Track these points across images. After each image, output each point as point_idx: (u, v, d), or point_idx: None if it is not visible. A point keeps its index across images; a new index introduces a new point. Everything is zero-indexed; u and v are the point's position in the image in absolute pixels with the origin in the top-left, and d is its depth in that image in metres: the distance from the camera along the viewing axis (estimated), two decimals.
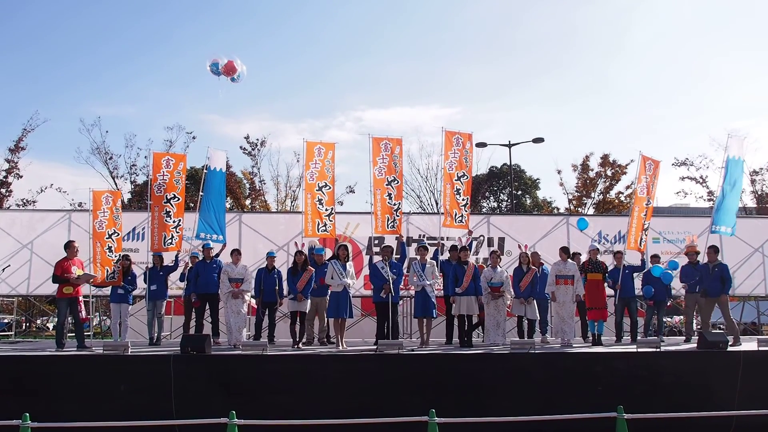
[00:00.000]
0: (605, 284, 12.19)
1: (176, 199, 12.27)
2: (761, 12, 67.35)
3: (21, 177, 28.16)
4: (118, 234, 12.17)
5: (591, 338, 11.96)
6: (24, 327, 28.43)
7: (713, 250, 11.87)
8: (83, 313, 11.20)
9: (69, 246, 11.43)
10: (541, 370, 9.43)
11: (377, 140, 12.40)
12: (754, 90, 69.01)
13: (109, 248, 11.96)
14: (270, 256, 12.10)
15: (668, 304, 13.43)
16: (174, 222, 12.22)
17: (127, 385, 8.95)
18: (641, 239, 12.43)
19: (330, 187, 12.51)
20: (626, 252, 12.42)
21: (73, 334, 12.29)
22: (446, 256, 12.57)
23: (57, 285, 11.12)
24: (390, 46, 75.09)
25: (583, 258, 12.66)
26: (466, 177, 12.49)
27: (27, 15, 60.86)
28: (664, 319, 14.80)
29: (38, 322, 30.13)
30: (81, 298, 11.29)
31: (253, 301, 12.06)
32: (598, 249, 12.66)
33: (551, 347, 11.20)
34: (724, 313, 11.68)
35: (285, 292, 12.13)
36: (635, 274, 12.57)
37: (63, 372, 9.21)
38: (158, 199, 12.15)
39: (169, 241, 12.20)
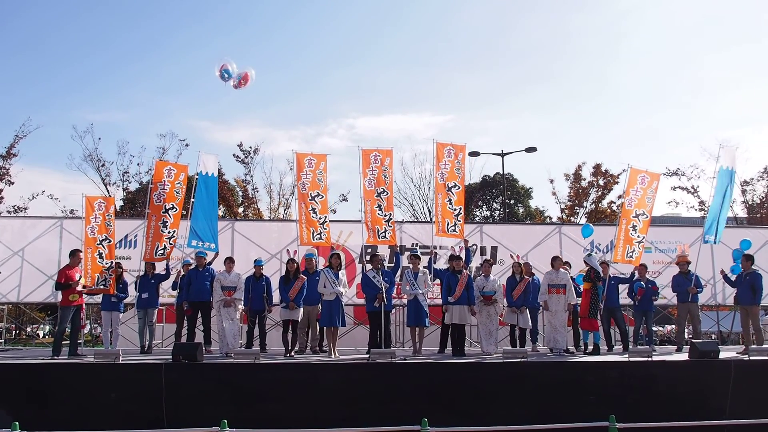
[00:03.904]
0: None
1: (174, 209, 12.24)
2: (752, 19, 68.02)
3: (12, 183, 27.98)
4: (110, 241, 12.09)
5: (584, 347, 11.96)
6: (14, 335, 28.22)
7: (746, 258, 11.93)
8: (82, 322, 11.15)
9: (74, 254, 11.33)
10: (533, 379, 9.44)
11: (367, 152, 12.44)
12: (744, 99, 69.68)
13: (100, 255, 11.88)
14: (257, 265, 12.07)
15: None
16: (169, 233, 12.17)
17: (119, 393, 8.90)
18: (633, 252, 12.44)
19: (323, 197, 12.54)
20: (616, 263, 12.45)
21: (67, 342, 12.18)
22: (441, 264, 12.57)
23: (49, 292, 11.04)
24: (382, 54, 75.45)
25: (576, 267, 12.69)
26: (458, 187, 12.51)
27: (20, 22, 60.82)
28: (656, 329, 14.79)
29: (29, 329, 29.93)
30: (83, 306, 11.17)
31: (241, 307, 12.01)
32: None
33: (543, 356, 11.21)
34: (753, 322, 11.79)
35: (276, 299, 12.09)
36: (621, 285, 12.63)
37: (54, 380, 9.15)
38: (157, 209, 12.11)
39: (161, 251, 12.15)
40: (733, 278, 12.28)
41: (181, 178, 12.48)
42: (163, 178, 12.22)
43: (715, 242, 12.79)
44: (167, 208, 12.16)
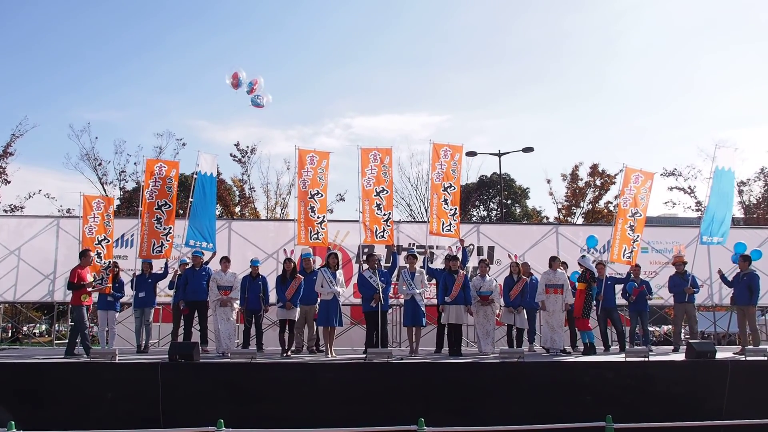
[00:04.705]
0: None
1: (167, 206, 12.24)
2: (749, 20, 68.17)
3: (9, 183, 27.97)
4: (109, 241, 12.09)
5: (584, 347, 11.94)
6: (11, 334, 28.19)
7: (743, 259, 11.93)
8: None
9: (85, 254, 11.14)
10: (530, 379, 9.44)
11: (366, 151, 12.43)
12: (742, 100, 69.86)
13: (98, 254, 11.87)
14: (254, 265, 12.05)
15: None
16: (164, 229, 12.17)
17: (115, 392, 8.88)
18: (630, 251, 12.46)
19: (322, 195, 12.52)
20: (612, 263, 12.46)
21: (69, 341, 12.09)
22: (438, 264, 12.57)
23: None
24: (379, 54, 75.49)
25: (573, 268, 12.69)
26: (453, 188, 12.51)
27: (17, 22, 60.70)
28: (653, 329, 14.79)
29: (25, 328, 29.87)
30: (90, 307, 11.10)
31: (237, 307, 11.98)
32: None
33: (540, 356, 11.22)
34: (750, 323, 11.79)
35: (273, 299, 12.08)
36: (617, 285, 12.65)
37: (50, 379, 9.13)
38: (149, 206, 12.11)
39: (158, 248, 12.15)
40: (731, 278, 12.29)
41: (173, 174, 12.48)
42: (155, 175, 12.21)
43: (723, 243, 12.81)
44: (160, 204, 12.17)
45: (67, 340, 11.22)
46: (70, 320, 11.34)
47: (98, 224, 12.06)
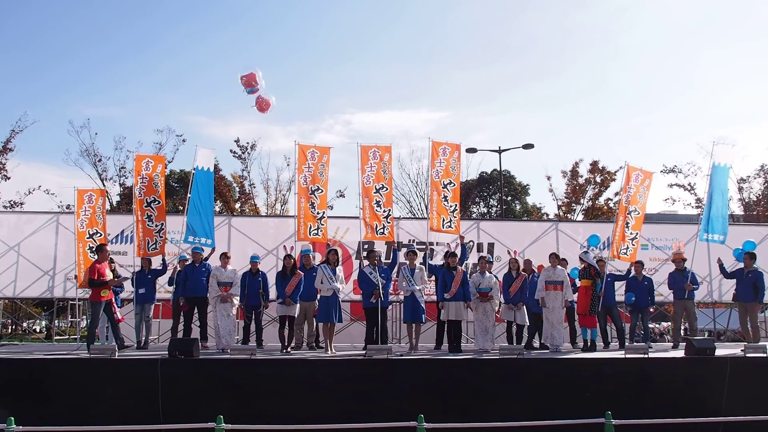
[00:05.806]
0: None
1: (156, 202, 12.11)
2: (750, 17, 68.08)
3: (9, 179, 27.97)
4: (101, 234, 11.99)
5: (584, 344, 11.93)
6: (10, 330, 28.20)
7: (749, 257, 11.89)
8: (118, 314, 11.13)
9: (101, 249, 10.97)
10: (530, 376, 9.44)
11: (365, 148, 12.39)
12: (742, 97, 69.77)
13: (90, 248, 11.78)
14: (253, 261, 12.03)
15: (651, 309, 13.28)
16: (156, 226, 12.07)
17: (115, 388, 8.88)
18: (627, 248, 12.46)
19: (323, 191, 12.48)
20: (612, 260, 12.44)
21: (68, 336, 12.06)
22: (438, 261, 12.55)
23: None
24: (379, 50, 75.37)
25: (573, 264, 12.69)
26: (453, 184, 12.49)
27: (17, 18, 60.62)
28: (652, 326, 14.79)
29: (25, 324, 29.89)
30: (113, 300, 11.05)
31: (237, 303, 11.97)
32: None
33: (540, 353, 11.22)
34: (752, 320, 11.76)
35: (272, 295, 12.08)
36: (617, 283, 12.62)
37: (50, 375, 9.13)
38: (140, 203, 12.04)
39: (153, 245, 12.06)
40: (729, 270, 12.23)
41: (159, 169, 12.39)
42: (142, 172, 12.15)
43: (723, 242, 12.78)
44: (149, 201, 12.08)
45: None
46: (116, 315, 11.17)
47: (89, 217, 11.94)
